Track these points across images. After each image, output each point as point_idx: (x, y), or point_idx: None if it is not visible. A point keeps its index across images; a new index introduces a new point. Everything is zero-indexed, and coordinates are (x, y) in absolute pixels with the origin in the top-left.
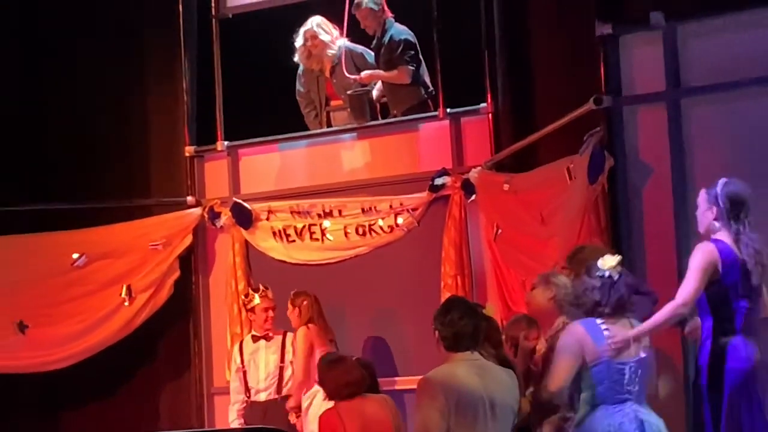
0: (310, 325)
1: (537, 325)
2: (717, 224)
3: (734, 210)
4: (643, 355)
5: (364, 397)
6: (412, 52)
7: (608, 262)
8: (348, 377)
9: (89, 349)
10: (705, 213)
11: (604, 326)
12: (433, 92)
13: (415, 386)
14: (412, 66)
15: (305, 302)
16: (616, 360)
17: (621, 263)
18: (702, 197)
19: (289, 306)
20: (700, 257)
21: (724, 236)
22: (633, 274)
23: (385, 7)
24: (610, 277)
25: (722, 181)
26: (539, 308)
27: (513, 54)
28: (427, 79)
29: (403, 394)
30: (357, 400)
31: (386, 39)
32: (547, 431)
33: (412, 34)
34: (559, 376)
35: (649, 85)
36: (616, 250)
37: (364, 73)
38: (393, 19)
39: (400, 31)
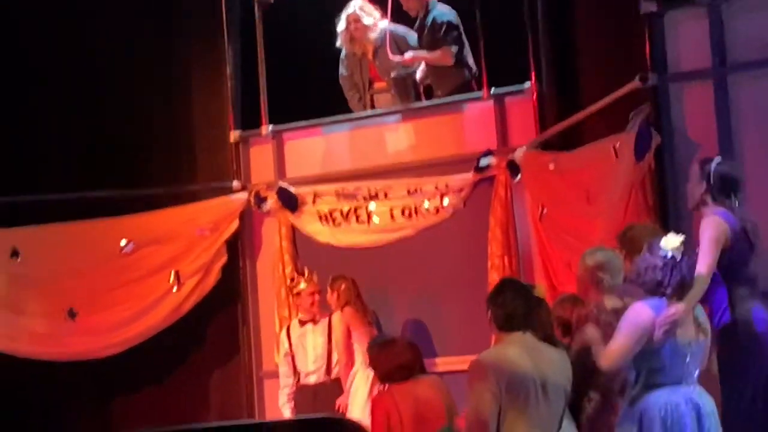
0: (346, 308)
1: (583, 304)
2: (707, 199)
3: (724, 189)
4: (702, 338)
5: (416, 379)
6: (456, 33)
7: (671, 242)
8: (400, 360)
9: (138, 335)
10: (695, 186)
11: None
12: (477, 73)
13: (458, 368)
14: (456, 47)
15: (343, 286)
16: (680, 341)
17: (683, 243)
18: (694, 171)
19: (328, 290)
20: (711, 229)
21: (721, 209)
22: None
23: None
24: (672, 257)
25: (717, 159)
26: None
27: (557, 33)
28: (471, 60)
29: (447, 376)
30: (409, 383)
31: (429, 20)
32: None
33: (455, 14)
34: (616, 355)
35: (695, 62)
36: (663, 228)
37: (407, 55)
38: (436, 0)
39: (442, 12)
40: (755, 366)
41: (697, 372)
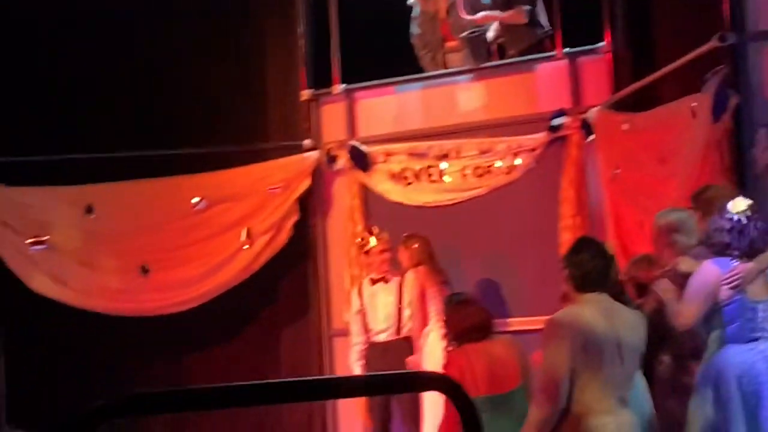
0: (420, 267)
1: (658, 265)
2: None
3: None
4: None
5: (490, 339)
6: None
7: (738, 205)
8: (474, 320)
9: (210, 292)
10: (762, 152)
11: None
12: (551, 32)
13: (529, 327)
14: (529, 6)
15: (416, 244)
16: (749, 299)
17: (752, 208)
18: (761, 137)
19: (401, 248)
20: None
21: None
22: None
23: None
24: (739, 221)
25: None
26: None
27: None
28: (544, 19)
29: (518, 336)
30: (484, 342)
31: None
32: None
33: None
34: (690, 312)
35: None
36: (740, 189)
37: (480, 14)
38: None
39: None
40: None
41: None
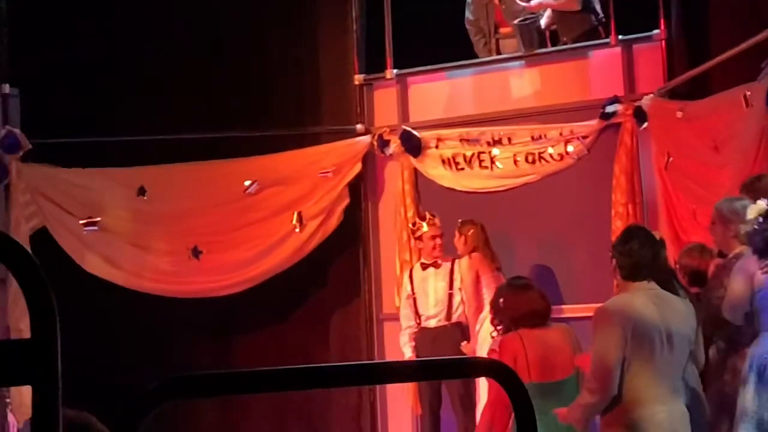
0: (474, 253)
1: (711, 253)
2: None
3: None
4: None
5: (546, 326)
6: None
7: (755, 209)
8: (534, 306)
9: (261, 274)
10: None
11: None
12: (604, 19)
13: (581, 314)
14: None
15: (471, 231)
16: None
17: None
18: None
19: (456, 234)
20: None
21: None
22: None
23: None
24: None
25: None
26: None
27: None
28: (598, 6)
29: (570, 323)
30: (539, 329)
31: None
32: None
33: None
34: (733, 301)
35: None
36: None
37: (533, 2)
38: None
39: None
40: None
41: None
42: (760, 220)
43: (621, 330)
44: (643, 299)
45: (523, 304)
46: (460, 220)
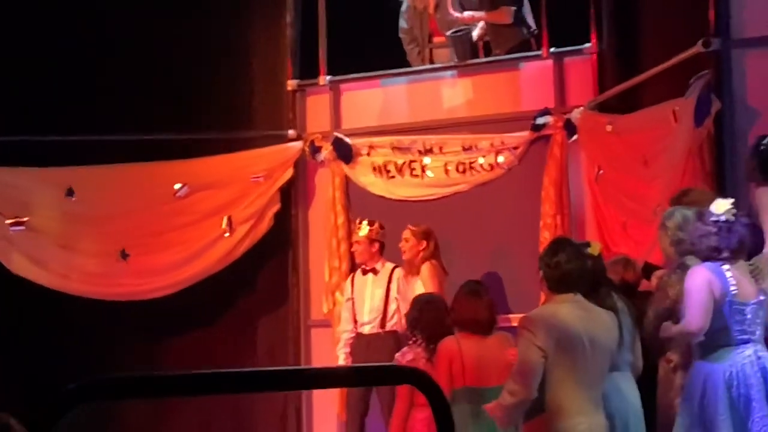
0: (434, 261)
1: (634, 266)
2: (757, 175)
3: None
4: (762, 297)
5: (486, 335)
6: None
7: (722, 205)
8: (478, 316)
9: (189, 278)
10: (747, 161)
11: (725, 267)
12: (536, 32)
13: (508, 324)
14: (514, 6)
15: (433, 240)
16: (738, 300)
17: (734, 205)
18: (750, 145)
19: (415, 240)
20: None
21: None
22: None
23: None
24: (726, 221)
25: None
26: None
27: None
28: (530, 19)
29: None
30: (479, 336)
31: None
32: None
33: None
34: (699, 315)
35: (759, 29)
36: (721, 194)
37: (466, 14)
38: None
39: None
40: None
41: (759, 332)
42: (723, 218)
43: (544, 337)
44: (568, 310)
45: (469, 311)
46: (422, 227)
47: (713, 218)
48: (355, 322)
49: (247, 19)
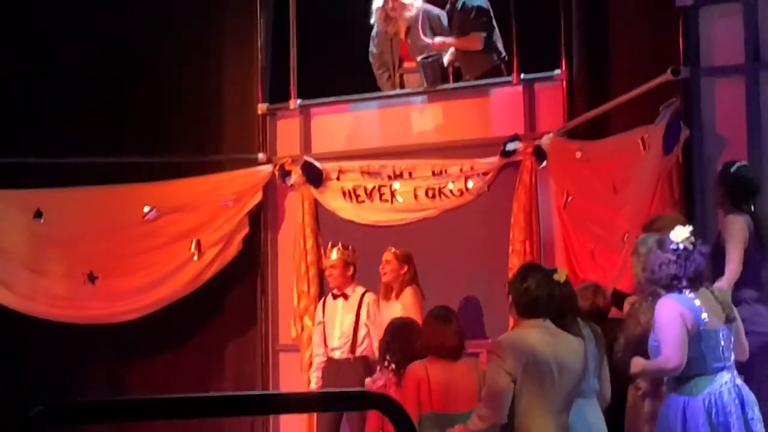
0: (414, 286)
1: (604, 293)
2: (725, 202)
3: (742, 193)
4: (730, 323)
5: (455, 360)
6: (485, 19)
7: (680, 233)
8: (445, 342)
9: (158, 302)
10: (714, 189)
11: (691, 296)
12: (506, 58)
13: (478, 350)
14: (484, 33)
15: (413, 265)
16: (709, 329)
17: (693, 233)
18: (717, 173)
19: (401, 263)
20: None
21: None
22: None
23: None
24: (685, 248)
25: (738, 163)
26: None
27: (590, 21)
28: (500, 45)
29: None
30: (447, 361)
31: (459, 4)
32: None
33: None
34: (677, 352)
35: (727, 58)
36: (690, 221)
37: (437, 39)
38: None
39: None
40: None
41: (731, 357)
42: (682, 246)
43: (513, 362)
44: (537, 335)
45: (436, 336)
46: (401, 250)
47: (672, 246)
48: (326, 346)
49: (217, 43)
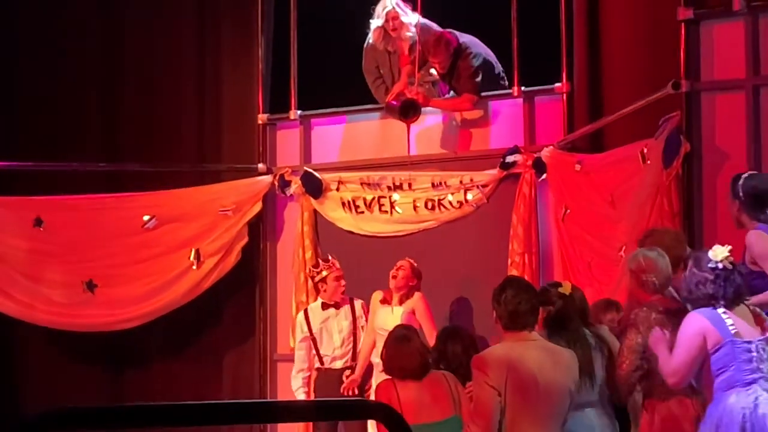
0: (420, 293)
1: (616, 308)
2: (743, 217)
3: (757, 203)
4: (766, 334)
5: (420, 379)
6: (479, 79)
7: (720, 252)
8: (403, 363)
9: (156, 310)
10: (730, 206)
11: (721, 311)
12: (504, 83)
13: None
14: (477, 97)
15: (419, 273)
16: (741, 340)
17: (731, 252)
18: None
19: (413, 276)
20: (763, 244)
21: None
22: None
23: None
24: (724, 268)
25: (744, 174)
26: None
27: (591, 35)
28: (498, 66)
29: None
30: (412, 380)
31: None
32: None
33: (483, 52)
34: (682, 369)
35: (728, 72)
36: (688, 235)
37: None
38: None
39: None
40: None
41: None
42: (721, 266)
43: (495, 376)
44: (522, 348)
45: (395, 358)
46: (409, 260)
47: (711, 265)
48: (320, 358)
49: (217, 53)
